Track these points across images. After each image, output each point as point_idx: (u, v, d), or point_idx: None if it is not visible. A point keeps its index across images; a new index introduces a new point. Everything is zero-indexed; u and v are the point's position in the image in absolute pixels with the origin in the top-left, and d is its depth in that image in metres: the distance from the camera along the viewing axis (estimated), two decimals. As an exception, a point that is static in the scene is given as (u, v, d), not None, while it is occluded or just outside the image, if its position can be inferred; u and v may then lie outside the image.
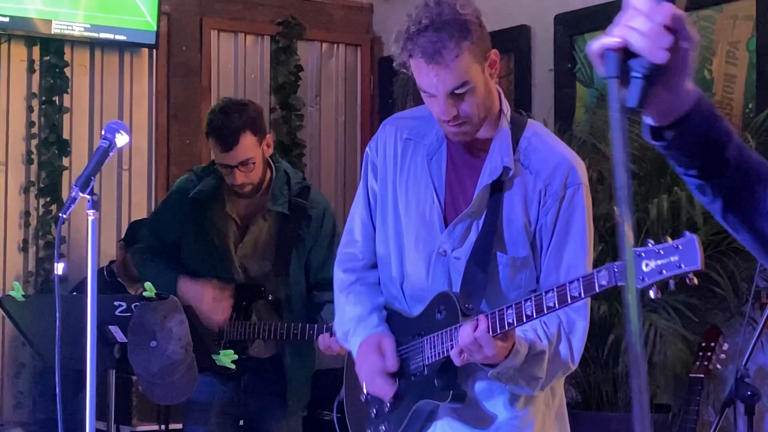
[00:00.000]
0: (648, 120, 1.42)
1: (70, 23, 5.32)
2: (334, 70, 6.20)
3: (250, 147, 3.68)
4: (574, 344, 2.46)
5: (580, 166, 2.53)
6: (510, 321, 2.28)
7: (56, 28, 5.29)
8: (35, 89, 5.37)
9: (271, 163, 3.81)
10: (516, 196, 2.48)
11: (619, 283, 2.12)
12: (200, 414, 3.80)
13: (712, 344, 3.86)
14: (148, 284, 3.20)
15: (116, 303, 3.14)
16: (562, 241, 2.47)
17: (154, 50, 5.63)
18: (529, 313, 2.26)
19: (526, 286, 2.48)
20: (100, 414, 2.78)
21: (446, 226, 2.52)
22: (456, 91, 2.39)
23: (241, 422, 3.86)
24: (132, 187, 5.61)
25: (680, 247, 2.00)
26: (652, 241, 2.06)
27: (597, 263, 2.44)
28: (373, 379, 2.55)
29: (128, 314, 3.12)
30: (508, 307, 2.30)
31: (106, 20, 5.40)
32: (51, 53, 5.35)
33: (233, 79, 5.89)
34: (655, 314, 4.14)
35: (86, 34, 5.37)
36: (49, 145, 5.34)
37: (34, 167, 5.36)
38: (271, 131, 5.94)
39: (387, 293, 2.64)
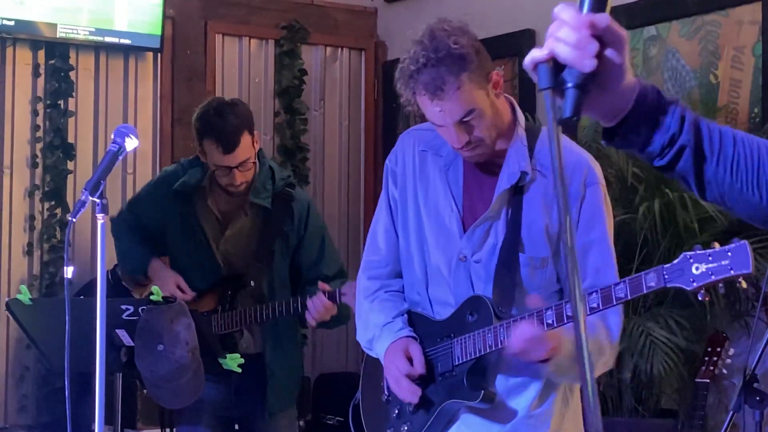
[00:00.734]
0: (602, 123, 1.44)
1: (75, 27, 5.32)
2: (338, 74, 6.20)
3: (248, 146, 3.70)
4: (612, 328, 2.51)
5: (597, 166, 2.59)
6: (569, 314, 2.34)
7: (61, 32, 5.29)
8: (40, 93, 5.37)
9: (256, 159, 3.81)
10: (535, 198, 2.53)
11: (668, 285, 2.19)
12: (192, 414, 3.80)
13: (718, 349, 3.86)
14: (155, 288, 3.21)
15: (123, 306, 3.14)
16: (587, 238, 2.51)
17: (159, 54, 5.63)
18: (594, 305, 2.31)
19: (545, 287, 2.52)
20: (106, 417, 2.78)
21: (465, 232, 2.56)
22: (464, 120, 2.45)
23: (237, 426, 3.86)
24: (137, 191, 5.60)
25: (730, 252, 2.07)
26: (701, 246, 2.13)
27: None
28: (399, 383, 2.58)
29: (135, 318, 3.12)
30: (566, 302, 2.36)
31: (111, 24, 5.40)
32: (56, 57, 5.35)
33: (237, 83, 5.90)
34: (652, 322, 4.15)
35: (91, 37, 5.37)
36: (54, 148, 5.34)
37: (39, 171, 5.36)
38: (275, 134, 5.96)
39: (411, 298, 2.68)
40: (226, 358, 3.32)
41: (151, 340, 3.09)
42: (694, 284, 2.12)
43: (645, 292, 2.23)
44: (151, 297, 3.16)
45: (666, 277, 2.18)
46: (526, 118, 2.70)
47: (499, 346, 2.46)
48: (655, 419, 4.33)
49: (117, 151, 2.61)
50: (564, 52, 1.31)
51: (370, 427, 2.73)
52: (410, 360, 2.58)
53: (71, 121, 5.41)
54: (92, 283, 4.20)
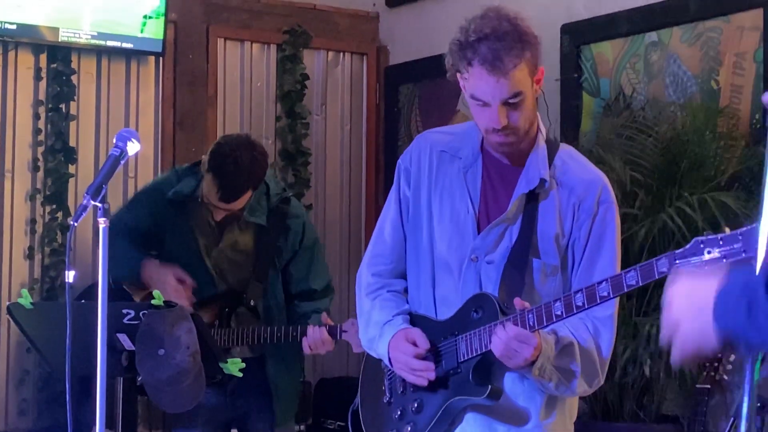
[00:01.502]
0: None
1: (77, 31, 5.32)
2: (340, 78, 6.20)
3: (245, 199, 3.72)
4: (602, 343, 2.53)
5: (610, 187, 2.62)
6: (558, 313, 2.36)
7: (63, 36, 5.29)
8: (42, 97, 5.37)
9: None
10: (550, 207, 2.56)
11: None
12: (188, 418, 3.80)
13: (719, 354, 3.86)
14: (156, 292, 3.21)
15: (124, 311, 3.13)
16: (595, 254, 2.55)
17: (161, 58, 5.64)
18: (579, 304, 2.32)
19: (552, 295, 2.51)
20: (107, 421, 2.77)
21: (479, 233, 2.57)
22: (510, 101, 2.45)
23: (235, 430, 3.87)
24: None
25: (741, 235, 2.03)
26: (711, 231, 2.11)
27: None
28: (410, 365, 2.56)
29: (136, 322, 3.11)
30: (555, 300, 2.37)
31: (113, 28, 5.41)
32: (58, 61, 5.36)
33: (239, 88, 5.90)
34: (657, 325, 4.13)
35: (93, 41, 5.38)
36: (56, 152, 5.34)
37: (40, 174, 5.36)
38: (276, 139, 5.96)
39: (416, 298, 2.68)
40: (227, 362, 3.32)
41: (152, 344, 3.08)
42: (707, 269, 2.08)
43: (657, 277, 2.21)
44: (153, 301, 3.16)
45: (677, 262, 2.17)
46: (554, 138, 2.75)
47: None
48: (656, 425, 4.32)
49: (119, 156, 2.61)
50: None
51: (371, 431, 2.72)
52: (414, 345, 2.57)
53: (73, 124, 5.41)
54: (93, 286, 4.21)
